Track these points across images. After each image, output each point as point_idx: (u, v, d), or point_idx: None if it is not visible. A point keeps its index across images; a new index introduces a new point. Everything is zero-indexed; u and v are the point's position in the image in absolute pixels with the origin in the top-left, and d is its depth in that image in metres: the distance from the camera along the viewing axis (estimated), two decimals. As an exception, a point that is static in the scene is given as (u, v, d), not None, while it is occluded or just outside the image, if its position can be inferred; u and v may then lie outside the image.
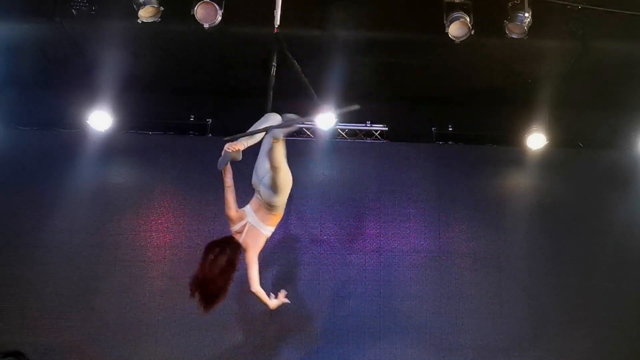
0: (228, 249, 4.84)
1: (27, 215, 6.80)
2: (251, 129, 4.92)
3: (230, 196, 4.88)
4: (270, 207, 4.90)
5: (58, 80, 6.99)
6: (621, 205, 6.99)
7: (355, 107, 4.58)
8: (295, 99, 6.22)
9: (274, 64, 4.95)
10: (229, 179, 4.85)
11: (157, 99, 7.20)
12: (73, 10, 5.90)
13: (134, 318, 6.59)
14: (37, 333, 6.48)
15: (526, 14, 5.71)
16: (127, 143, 7.11)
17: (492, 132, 7.25)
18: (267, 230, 4.98)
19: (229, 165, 4.80)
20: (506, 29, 5.84)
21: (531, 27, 5.77)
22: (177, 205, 6.95)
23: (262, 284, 5.15)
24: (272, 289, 5.40)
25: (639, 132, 7.08)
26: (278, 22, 4.85)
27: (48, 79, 6.96)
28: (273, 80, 4.97)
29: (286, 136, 4.75)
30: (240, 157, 4.68)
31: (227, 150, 4.61)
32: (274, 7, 4.87)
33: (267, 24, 5.05)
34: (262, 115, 5.08)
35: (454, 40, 5.90)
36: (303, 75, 4.95)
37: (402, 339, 6.62)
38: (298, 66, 4.95)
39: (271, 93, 4.89)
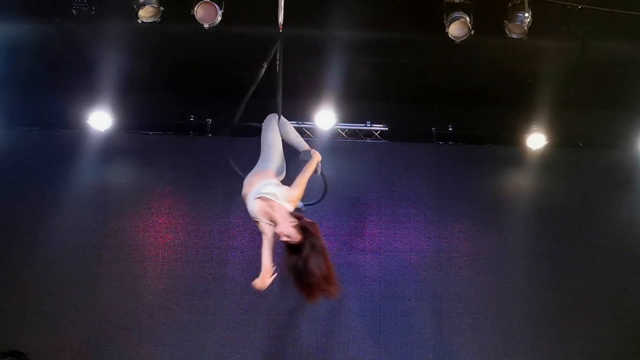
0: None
1: (27, 215, 6.80)
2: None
3: None
4: None
5: (58, 80, 6.98)
6: (621, 205, 6.99)
7: None
8: (296, 99, 6.24)
9: (278, 62, 4.93)
10: None
11: (157, 99, 7.20)
12: (73, 10, 5.89)
13: (134, 318, 6.59)
14: (37, 333, 6.49)
15: (526, 14, 5.71)
16: (127, 143, 7.11)
17: (492, 132, 7.25)
18: None
19: None
20: (506, 29, 5.83)
21: (531, 27, 5.77)
22: (177, 205, 6.95)
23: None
24: (273, 289, 5.37)
25: (639, 132, 7.09)
26: (282, 21, 4.83)
27: (48, 79, 6.96)
28: (280, 79, 4.94)
29: None
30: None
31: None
32: (277, 6, 4.86)
33: (267, 24, 5.05)
34: (263, 116, 5.07)
35: (454, 40, 5.90)
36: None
37: (402, 339, 6.63)
38: (264, 66, 4.92)
39: (280, 92, 4.86)
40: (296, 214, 4.31)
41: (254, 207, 4.38)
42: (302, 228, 4.16)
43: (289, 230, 4.14)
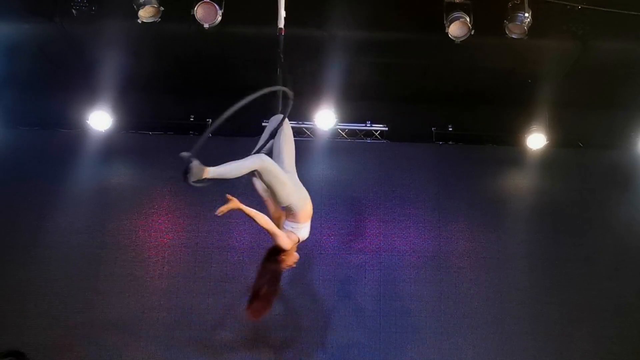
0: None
1: (27, 215, 6.81)
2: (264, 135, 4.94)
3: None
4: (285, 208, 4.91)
5: (58, 80, 6.98)
6: (621, 205, 7.00)
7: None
8: (296, 99, 6.23)
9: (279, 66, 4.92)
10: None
11: (157, 99, 7.20)
12: (73, 10, 5.89)
13: (134, 318, 6.59)
14: (37, 333, 6.49)
15: (526, 14, 5.71)
16: (127, 143, 7.11)
17: (492, 132, 7.26)
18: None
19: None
20: (506, 29, 5.84)
21: (531, 27, 5.77)
22: (177, 205, 6.95)
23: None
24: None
25: (639, 132, 7.09)
26: (282, 23, 4.83)
27: (48, 79, 6.96)
28: (280, 80, 4.94)
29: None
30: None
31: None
32: (276, 8, 4.85)
33: (267, 24, 5.05)
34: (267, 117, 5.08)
35: (454, 40, 5.90)
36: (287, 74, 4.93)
37: (402, 339, 6.63)
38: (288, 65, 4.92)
39: (281, 94, 4.86)
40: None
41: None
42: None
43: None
